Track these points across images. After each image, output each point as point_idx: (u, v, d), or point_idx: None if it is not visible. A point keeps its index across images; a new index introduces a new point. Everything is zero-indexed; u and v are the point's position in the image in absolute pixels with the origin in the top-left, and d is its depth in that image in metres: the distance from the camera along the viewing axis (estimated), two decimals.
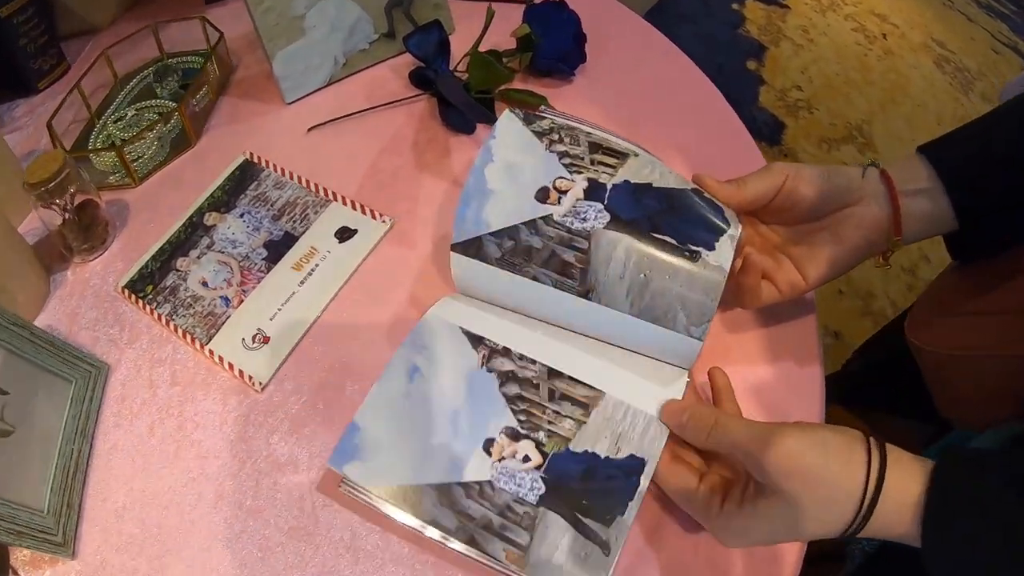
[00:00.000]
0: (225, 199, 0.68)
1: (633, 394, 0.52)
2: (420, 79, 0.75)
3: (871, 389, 0.94)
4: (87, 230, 0.67)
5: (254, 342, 0.58)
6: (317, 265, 0.62)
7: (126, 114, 0.78)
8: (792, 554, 0.49)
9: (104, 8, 0.89)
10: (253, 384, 0.57)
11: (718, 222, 0.53)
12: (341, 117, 0.73)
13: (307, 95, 0.76)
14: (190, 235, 0.66)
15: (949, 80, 2.17)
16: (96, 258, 0.67)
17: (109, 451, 0.56)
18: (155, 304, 0.62)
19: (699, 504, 0.46)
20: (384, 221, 0.65)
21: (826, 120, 2.01)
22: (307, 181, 0.68)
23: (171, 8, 0.87)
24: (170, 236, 0.66)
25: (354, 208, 0.66)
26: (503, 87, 0.74)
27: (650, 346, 0.54)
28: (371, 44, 0.78)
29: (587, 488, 0.48)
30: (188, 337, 0.60)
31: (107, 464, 0.56)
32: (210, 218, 0.66)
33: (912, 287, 1.72)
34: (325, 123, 0.72)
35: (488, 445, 0.50)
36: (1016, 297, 0.56)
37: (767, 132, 1.95)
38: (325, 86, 0.77)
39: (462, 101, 0.68)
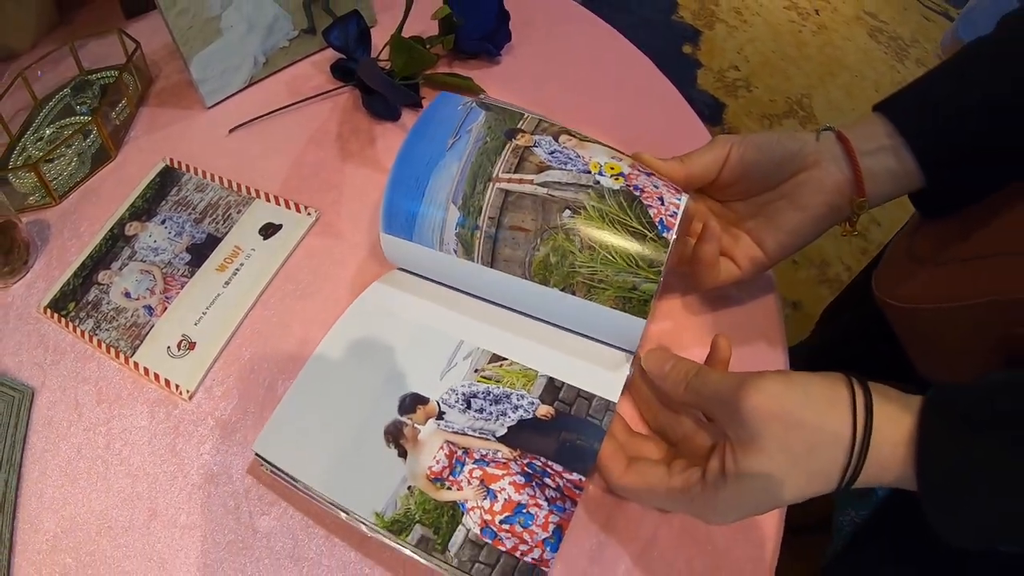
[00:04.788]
0: (146, 207, 0.63)
1: (573, 375, 0.48)
2: (342, 71, 0.71)
3: (841, 356, 0.90)
4: (7, 253, 0.62)
5: (179, 349, 0.54)
6: (242, 264, 0.57)
7: (45, 133, 0.73)
8: (771, 525, 0.46)
9: (23, 32, 0.84)
10: (180, 393, 0.52)
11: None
12: (261, 116, 0.68)
13: (228, 97, 0.72)
14: (111, 247, 0.61)
15: (884, 49, 2.17)
16: (18, 281, 0.62)
17: (39, 479, 0.51)
18: (77, 321, 0.57)
19: (676, 493, 0.41)
20: (309, 214, 0.60)
21: (766, 97, 1.99)
22: (229, 181, 0.64)
23: (94, 28, 0.82)
24: (91, 251, 0.61)
25: (277, 203, 0.61)
26: (428, 72, 0.70)
27: (592, 325, 0.50)
28: (291, 41, 0.74)
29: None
30: (112, 351, 0.55)
31: (38, 493, 0.51)
32: (131, 228, 0.62)
33: (865, 251, 1.71)
34: (246, 123, 0.68)
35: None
36: (1007, 237, 0.52)
37: (708, 113, 1.93)
38: (246, 87, 0.72)
39: (383, 84, 0.64)
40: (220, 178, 0.64)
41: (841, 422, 0.36)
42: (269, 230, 0.59)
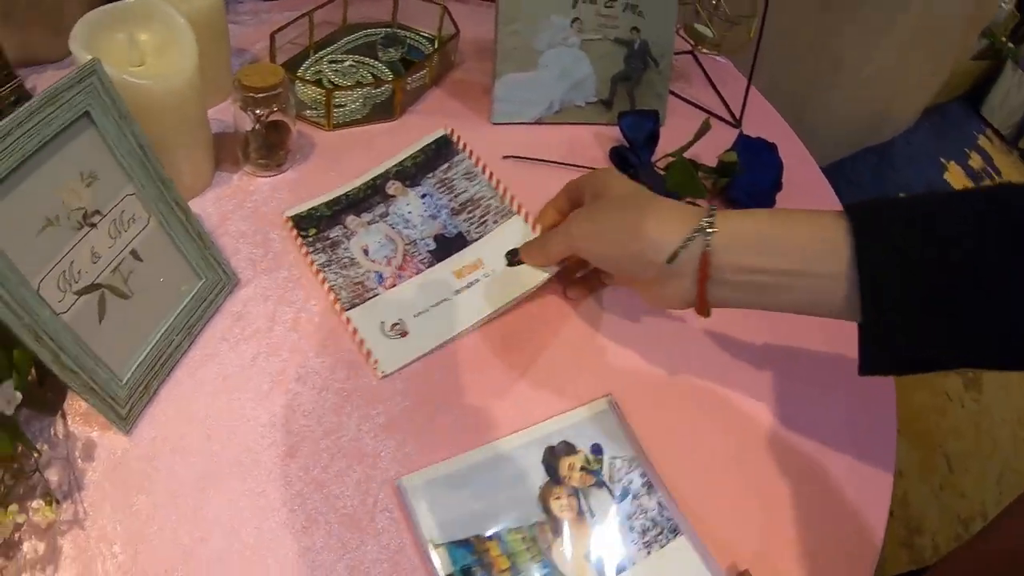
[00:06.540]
0: (413, 172, 0.69)
1: None
2: (619, 157, 0.76)
3: None
4: (270, 148, 0.68)
5: (392, 330, 0.58)
6: (478, 280, 0.61)
7: (343, 60, 0.81)
8: None
9: None
10: (375, 369, 0.56)
11: None
12: (537, 159, 0.74)
13: (512, 123, 0.78)
14: (368, 196, 0.67)
15: None
16: (266, 177, 0.69)
17: (204, 358, 0.56)
18: (312, 248, 0.62)
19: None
20: (547, 269, 0.61)
21: None
22: (498, 181, 0.68)
23: None
24: (349, 190, 0.67)
25: (534, 229, 0.62)
26: (691, 199, 0.75)
27: None
28: (587, 104, 0.80)
29: None
30: (331, 295, 0.60)
31: (196, 369, 0.56)
32: (392, 187, 0.67)
33: (960, 539, 1.66)
34: (522, 157, 0.74)
35: None
36: None
37: None
38: (531, 123, 0.79)
39: None
40: (491, 173, 0.69)
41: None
42: (515, 258, 0.61)
